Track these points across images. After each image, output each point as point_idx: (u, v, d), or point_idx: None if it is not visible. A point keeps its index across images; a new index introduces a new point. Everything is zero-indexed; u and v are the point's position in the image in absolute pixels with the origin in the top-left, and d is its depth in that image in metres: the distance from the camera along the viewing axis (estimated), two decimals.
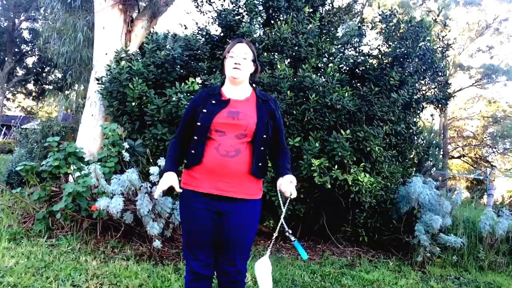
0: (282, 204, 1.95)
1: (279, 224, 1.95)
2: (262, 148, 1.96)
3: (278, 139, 2.07)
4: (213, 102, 1.98)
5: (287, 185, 1.90)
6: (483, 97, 22.31)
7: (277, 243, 4.80)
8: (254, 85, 2.15)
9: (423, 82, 5.74)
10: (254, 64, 2.09)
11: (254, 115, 1.96)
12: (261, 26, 5.51)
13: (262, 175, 2.00)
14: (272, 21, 5.56)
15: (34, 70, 23.79)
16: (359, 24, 5.80)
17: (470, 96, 22.40)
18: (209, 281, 2.00)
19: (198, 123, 1.94)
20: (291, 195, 1.87)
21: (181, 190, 1.93)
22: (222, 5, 5.72)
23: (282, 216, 1.94)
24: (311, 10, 5.65)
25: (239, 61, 1.99)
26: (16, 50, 23.13)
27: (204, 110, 1.95)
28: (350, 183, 4.29)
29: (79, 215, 3.97)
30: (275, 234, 1.96)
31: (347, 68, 5.51)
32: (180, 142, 2.05)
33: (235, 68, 1.99)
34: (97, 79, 5.11)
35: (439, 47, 5.65)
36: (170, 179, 1.91)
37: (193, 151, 1.93)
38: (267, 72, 4.71)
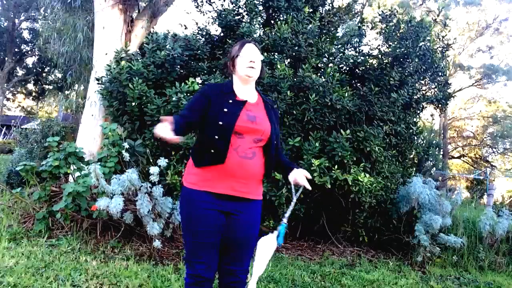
0: (294, 193, 1.99)
1: (290, 208, 1.98)
2: (273, 153, 2.01)
3: (277, 142, 2.11)
4: (230, 101, 1.94)
5: (303, 178, 1.98)
6: (483, 97, 22.31)
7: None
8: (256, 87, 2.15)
9: (423, 82, 5.74)
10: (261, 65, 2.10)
11: (267, 121, 1.99)
12: (261, 26, 5.51)
13: (269, 178, 2.08)
14: (272, 21, 5.56)
15: (34, 70, 23.78)
16: (359, 24, 5.80)
17: (470, 96, 22.40)
18: (210, 283, 1.97)
19: (220, 122, 1.87)
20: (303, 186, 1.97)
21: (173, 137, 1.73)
22: (222, 5, 5.73)
23: (293, 203, 1.98)
24: (311, 10, 5.64)
25: (254, 59, 1.99)
26: (16, 50, 23.11)
27: (225, 110, 1.90)
28: (350, 183, 4.29)
29: (79, 215, 3.97)
30: (286, 215, 1.97)
31: (347, 68, 5.51)
32: (184, 119, 1.89)
33: (250, 67, 1.97)
34: (97, 79, 5.10)
35: (439, 47, 5.65)
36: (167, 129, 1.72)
37: (212, 150, 1.87)
38: (267, 72, 4.71)
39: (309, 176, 1.98)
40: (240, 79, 2.01)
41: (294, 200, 1.97)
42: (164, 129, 1.70)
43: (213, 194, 1.88)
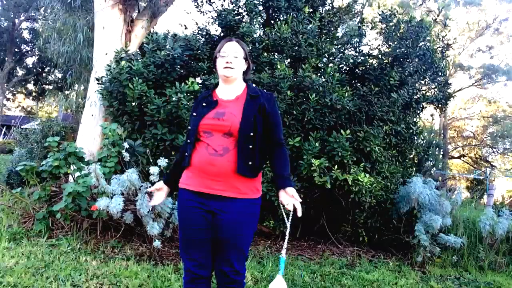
0: (285, 218, 1.88)
1: (285, 240, 1.91)
2: (250, 147, 1.92)
3: (272, 135, 2.01)
4: (204, 104, 2.03)
5: (288, 199, 1.86)
6: (483, 97, 22.33)
7: (277, 243, 4.80)
8: (249, 82, 2.14)
9: (423, 82, 5.74)
10: (246, 61, 2.09)
11: (239, 114, 1.95)
12: (261, 26, 5.51)
13: (253, 174, 1.94)
14: (272, 21, 5.56)
15: (34, 70, 23.79)
16: (359, 24, 5.80)
17: (470, 96, 22.44)
18: (206, 281, 1.99)
19: (189, 127, 2.03)
20: (295, 209, 1.83)
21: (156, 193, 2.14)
22: (222, 5, 5.73)
23: (287, 232, 1.89)
24: (311, 10, 5.64)
25: (230, 59, 2.01)
26: (16, 50, 23.12)
27: (194, 114, 2.02)
28: (350, 183, 4.29)
29: (79, 215, 3.97)
30: (284, 247, 1.88)
31: (347, 68, 5.51)
32: (183, 148, 2.10)
33: (226, 67, 2.00)
34: (97, 79, 5.10)
35: (439, 47, 5.65)
36: (157, 184, 2.16)
37: (186, 153, 2.00)
38: (267, 72, 4.71)
39: (298, 199, 1.85)
40: (221, 78, 2.07)
41: (288, 227, 1.86)
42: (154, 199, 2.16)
43: (194, 193, 1.95)
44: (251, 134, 1.93)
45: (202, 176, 1.93)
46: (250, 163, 1.91)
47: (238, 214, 1.92)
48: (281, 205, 1.88)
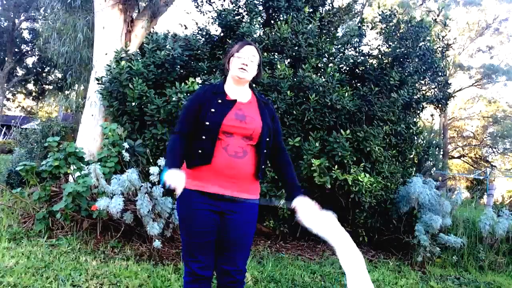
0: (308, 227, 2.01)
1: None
2: (265, 151, 1.99)
3: (277, 140, 2.10)
4: (219, 101, 1.97)
5: (303, 213, 2.02)
6: (483, 97, 22.30)
7: (277, 243, 4.80)
8: (253, 86, 2.16)
9: (423, 82, 5.74)
10: (258, 68, 2.10)
11: (259, 119, 1.99)
12: (261, 26, 5.51)
13: (263, 177, 2.08)
14: (272, 21, 5.56)
15: (34, 70, 23.77)
16: (359, 24, 5.80)
17: (470, 96, 22.42)
18: (208, 282, 1.99)
19: (207, 123, 1.91)
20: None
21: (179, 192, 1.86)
22: (222, 5, 5.74)
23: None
24: (311, 10, 5.65)
25: (247, 62, 2.01)
26: (16, 50, 23.10)
27: (212, 110, 1.93)
28: (350, 183, 4.29)
29: (79, 215, 3.97)
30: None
31: (347, 68, 5.51)
32: (182, 139, 1.98)
33: (241, 68, 2.00)
34: (97, 79, 5.10)
35: (439, 47, 5.65)
36: (181, 178, 1.84)
37: (200, 151, 1.90)
38: (267, 72, 4.71)
39: (314, 206, 2.01)
40: (232, 78, 2.06)
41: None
42: (175, 179, 1.82)
43: (205, 194, 1.90)
44: (267, 139, 2.00)
45: (220, 178, 1.89)
46: (263, 166, 2.00)
47: (247, 214, 1.97)
48: (296, 211, 2.00)
